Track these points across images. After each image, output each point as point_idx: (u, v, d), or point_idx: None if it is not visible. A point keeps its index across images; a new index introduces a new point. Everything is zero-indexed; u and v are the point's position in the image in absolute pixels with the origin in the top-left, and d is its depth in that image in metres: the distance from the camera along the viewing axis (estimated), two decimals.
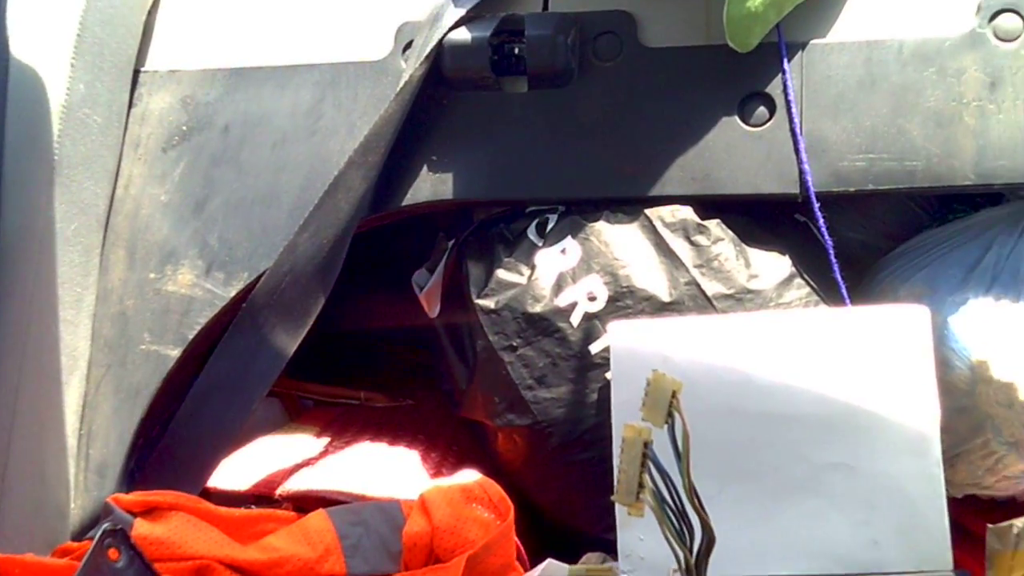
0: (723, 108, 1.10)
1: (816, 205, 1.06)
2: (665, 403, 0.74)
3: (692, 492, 0.74)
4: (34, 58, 1.07)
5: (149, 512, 0.97)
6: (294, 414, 1.37)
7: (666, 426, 0.75)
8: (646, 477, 0.74)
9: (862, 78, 1.08)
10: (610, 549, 0.98)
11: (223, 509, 0.99)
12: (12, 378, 0.98)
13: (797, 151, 1.07)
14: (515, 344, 1.10)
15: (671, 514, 0.74)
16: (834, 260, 1.07)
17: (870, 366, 0.96)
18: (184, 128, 1.17)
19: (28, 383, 1.00)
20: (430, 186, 1.13)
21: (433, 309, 1.17)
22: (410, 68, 1.12)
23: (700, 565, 0.75)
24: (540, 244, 1.11)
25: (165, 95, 1.18)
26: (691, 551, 0.75)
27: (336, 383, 1.37)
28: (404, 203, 1.13)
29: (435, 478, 1.15)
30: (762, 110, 1.09)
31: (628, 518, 0.98)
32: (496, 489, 1.01)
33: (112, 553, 0.82)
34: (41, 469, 1.01)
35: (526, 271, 1.11)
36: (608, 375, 1.06)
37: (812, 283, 1.10)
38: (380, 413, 1.32)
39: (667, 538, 0.75)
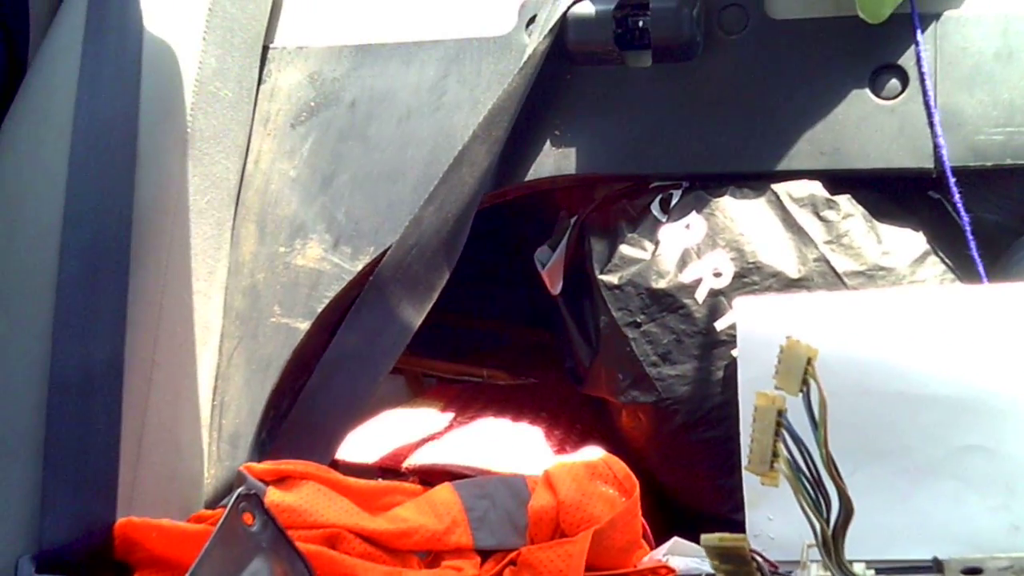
0: (854, 81, 1.07)
1: (952, 180, 1.03)
2: (800, 370, 0.72)
3: (830, 461, 0.72)
4: (167, 33, 1.09)
5: (281, 481, 0.98)
6: (418, 391, 1.38)
7: (801, 394, 0.73)
8: (780, 446, 0.72)
9: (999, 50, 1.04)
10: (737, 530, 0.97)
11: (352, 480, 1.01)
12: (147, 349, 1.00)
13: (932, 124, 1.05)
14: (639, 320, 1.09)
15: (807, 484, 0.73)
16: (971, 237, 1.04)
17: (1010, 346, 0.93)
18: (312, 104, 1.18)
19: (163, 354, 1.02)
20: (553, 161, 1.12)
21: (556, 286, 1.17)
22: (533, 43, 1.11)
23: (837, 537, 0.73)
24: (664, 219, 1.10)
25: (293, 71, 1.20)
26: (828, 523, 0.73)
27: (459, 362, 1.38)
28: (527, 178, 1.13)
29: (558, 455, 1.16)
30: (894, 82, 1.07)
31: (757, 497, 0.97)
32: (621, 466, 1.00)
33: (247, 517, 0.83)
34: (176, 439, 1.03)
35: (650, 247, 1.10)
36: (734, 352, 1.04)
37: (947, 261, 1.07)
38: (503, 390, 1.33)
39: (803, 509, 0.73)
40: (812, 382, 0.73)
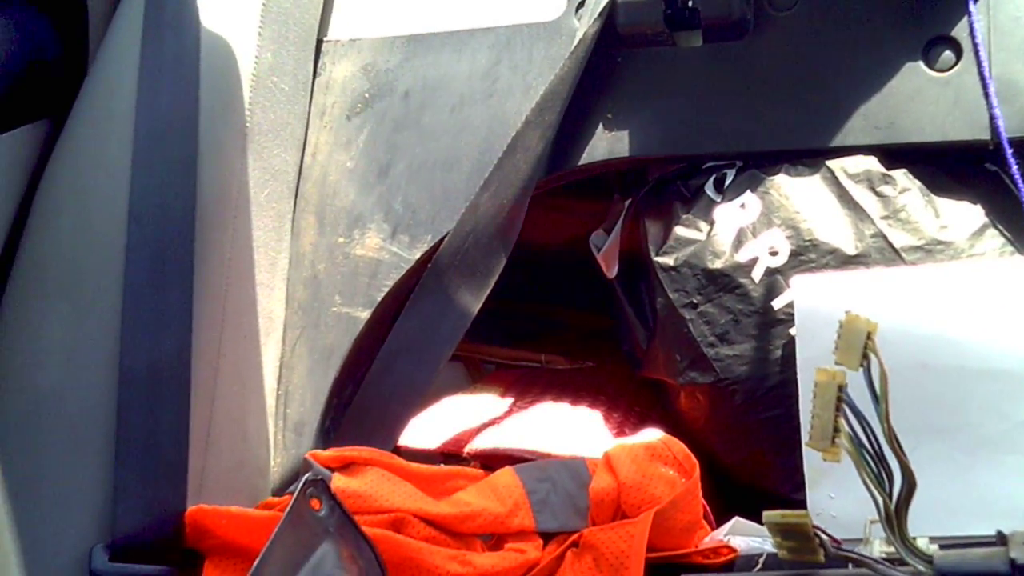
0: (906, 53, 1.06)
1: (1009, 151, 1.02)
2: (860, 344, 0.73)
3: (892, 435, 0.72)
4: (223, 28, 1.10)
5: (346, 467, 1.00)
6: (477, 377, 1.39)
7: (861, 369, 0.73)
8: (842, 421, 0.73)
9: None
10: (799, 509, 0.97)
11: (415, 465, 1.02)
12: (213, 340, 1.02)
13: (987, 95, 1.03)
14: (696, 301, 1.09)
15: (869, 459, 0.73)
16: None
17: None
18: (366, 95, 1.20)
19: (228, 345, 1.03)
20: (606, 144, 1.13)
21: (611, 269, 1.18)
22: (583, 27, 1.12)
23: (900, 512, 0.74)
24: (718, 200, 1.10)
25: (347, 64, 1.21)
26: (891, 497, 0.73)
27: (517, 347, 1.39)
28: (581, 162, 1.13)
29: (618, 437, 1.16)
30: (948, 54, 1.06)
31: (818, 475, 0.97)
32: (680, 447, 1.01)
33: (314, 502, 0.85)
34: (243, 428, 1.05)
35: (705, 227, 1.10)
36: (792, 331, 1.04)
37: (1007, 234, 1.06)
38: (561, 375, 1.33)
39: (866, 483, 0.73)
40: (872, 356, 0.73)
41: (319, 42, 1.22)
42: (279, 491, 1.07)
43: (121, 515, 0.93)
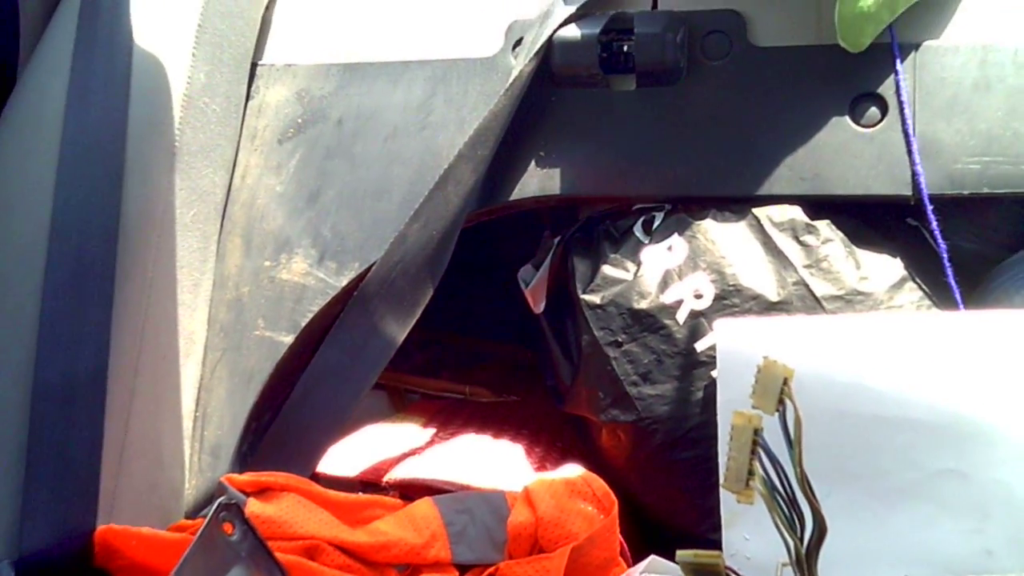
0: (834, 108, 1.09)
1: (929, 208, 1.05)
2: (776, 389, 0.74)
3: (804, 480, 0.73)
4: (156, 46, 1.09)
5: (261, 492, 0.98)
6: (399, 406, 1.38)
7: (777, 414, 0.74)
8: (756, 464, 0.73)
9: (977, 80, 1.06)
10: (714, 549, 0.97)
11: (332, 492, 1.01)
12: (131, 359, 1.00)
13: (910, 152, 1.06)
14: (620, 340, 1.10)
15: (782, 502, 0.73)
16: (948, 264, 1.05)
17: (985, 372, 0.94)
18: (299, 121, 1.19)
19: (146, 364, 1.02)
20: (537, 182, 1.14)
21: (538, 305, 1.18)
22: (519, 64, 1.13)
23: (811, 556, 0.74)
24: (646, 241, 1.11)
25: (281, 88, 1.21)
26: (802, 541, 0.74)
27: (441, 378, 1.39)
28: (512, 198, 1.14)
29: (539, 472, 1.16)
30: (874, 110, 1.08)
31: (733, 516, 0.98)
32: (600, 484, 1.01)
33: (227, 527, 0.83)
34: (158, 449, 1.03)
35: (632, 267, 1.11)
36: (714, 373, 1.05)
37: (925, 287, 1.08)
38: (485, 407, 1.33)
39: (778, 527, 0.74)
40: (788, 401, 0.74)
41: (253, 65, 1.21)
42: (192, 514, 1.05)
43: (29, 532, 0.91)
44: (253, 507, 0.95)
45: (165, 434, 1.04)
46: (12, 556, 0.90)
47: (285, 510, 0.96)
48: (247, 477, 1.00)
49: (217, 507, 0.83)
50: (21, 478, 0.92)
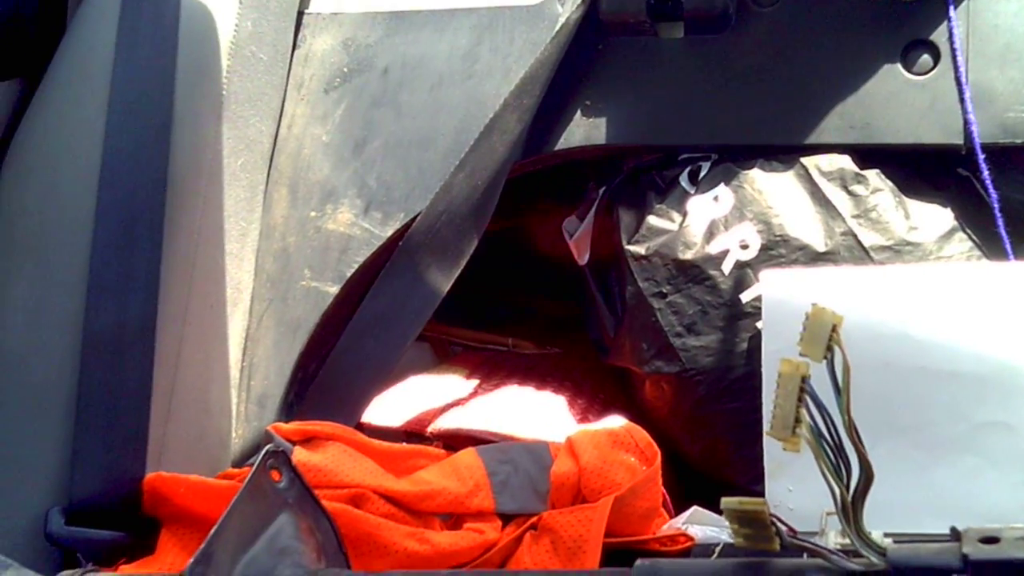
0: (885, 55, 1.07)
1: (981, 157, 1.03)
2: (825, 336, 0.73)
3: (851, 427, 0.72)
4: None
5: (307, 441, 1.00)
6: (443, 358, 1.39)
7: (825, 361, 0.74)
8: (803, 412, 0.73)
9: None
10: None
11: (377, 442, 1.02)
12: (179, 309, 1.01)
13: (962, 100, 1.05)
14: (665, 291, 1.10)
15: (828, 449, 0.73)
16: (999, 214, 1.04)
17: None
18: (345, 70, 1.19)
19: (194, 314, 1.03)
20: (583, 131, 1.13)
21: (583, 256, 1.18)
22: (566, 12, 1.12)
23: (856, 504, 0.74)
24: (692, 191, 1.11)
25: (327, 37, 1.21)
26: (848, 489, 0.74)
27: (484, 330, 1.39)
28: (557, 147, 1.14)
29: (581, 423, 1.16)
30: (926, 58, 1.07)
31: (777, 467, 0.98)
32: (643, 435, 1.01)
33: (274, 474, 0.84)
34: (205, 398, 1.04)
35: (677, 218, 1.10)
36: (759, 324, 1.05)
37: (975, 238, 1.07)
38: (527, 359, 1.34)
39: (824, 474, 0.73)
40: (836, 348, 0.73)
41: (300, 14, 1.21)
42: (239, 462, 1.06)
43: (79, 479, 0.92)
44: (299, 455, 0.96)
45: (213, 383, 1.05)
46: (62, 502, 0.92)
47: (331, 459, 0.97)
48: (293, 426, 1.01)
49: (264, 454, 0.84)
50: (71, 426, 0.93)
